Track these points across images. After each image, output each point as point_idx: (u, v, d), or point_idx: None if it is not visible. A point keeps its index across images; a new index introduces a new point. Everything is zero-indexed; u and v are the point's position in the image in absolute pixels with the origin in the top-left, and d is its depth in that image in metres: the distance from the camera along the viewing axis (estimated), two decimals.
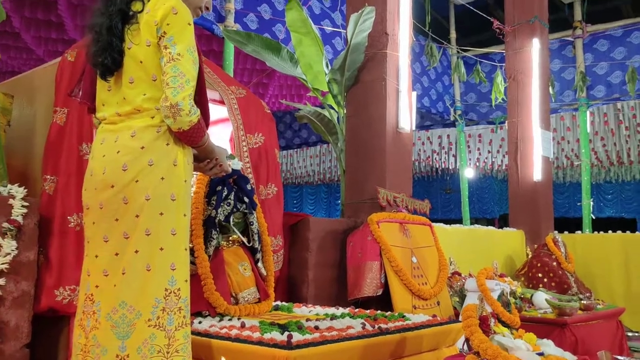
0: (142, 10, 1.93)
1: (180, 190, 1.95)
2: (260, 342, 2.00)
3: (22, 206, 2.47)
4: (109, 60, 1.92)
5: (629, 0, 10.01)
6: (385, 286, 3.50)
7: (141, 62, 1.91)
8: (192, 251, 2.68)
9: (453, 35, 9.65)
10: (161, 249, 1.88)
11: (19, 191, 2.51)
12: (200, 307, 2.59)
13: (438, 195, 14.19)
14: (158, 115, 1.91)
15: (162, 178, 1.90)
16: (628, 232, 5.71)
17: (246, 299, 2.76)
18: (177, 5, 1.90)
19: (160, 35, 1.88)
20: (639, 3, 9.68)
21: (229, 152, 3.02)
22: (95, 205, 1.94)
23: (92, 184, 1.96)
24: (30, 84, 3.18)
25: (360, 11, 4.19)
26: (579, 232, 6.31)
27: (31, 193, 2.59)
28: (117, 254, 1.89)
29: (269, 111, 3.81)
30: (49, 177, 2.65)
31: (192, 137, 1.94)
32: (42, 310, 2.52)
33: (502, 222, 12.83)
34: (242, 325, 2.30)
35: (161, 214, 1.89)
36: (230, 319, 2.50)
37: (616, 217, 12.99)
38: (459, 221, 9.25)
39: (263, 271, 2.97)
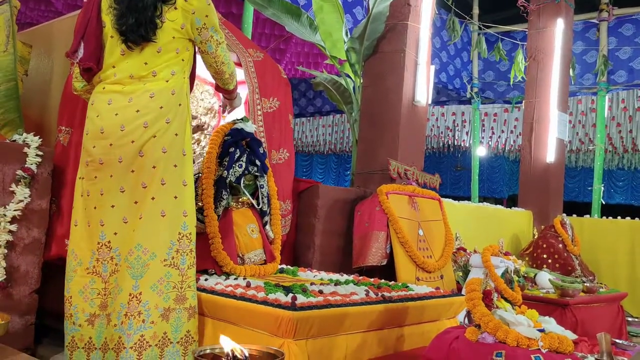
0: None
1: (189, 147, 2.22)
2: (265, 302, 2.03)
3: (37, 155, 2.50)
4: (146, 33, 2.14)
5: None
6: (390, 257, 3.53)
7: (173, 37, 2.19)
8: (201, 210, 2.70)
9: (476, 11, 9.45)
10: (175, 197, 2.12)
11: (33, 140, 2.54)
12: (206, 265, 2.62)
13: (448, 172, 14.13)
14: (172, 79, 2.19)
15: (176, 134, 2.17)
16: (637, 219, 5.68)
17: (252, 260, 2.79)
18: None
19: (202, 26, 2.23)
20: None
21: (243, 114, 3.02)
22: (113, 159, 2.11)
23: (106, 141, 2.13)
24: (49, 35, 3.18)
25: None
26: (588, 216, 6.29)
27: (46, 143, 2.62)
28: (136, 202, 2.10)
29: (285, 76, 3.79)
30: (64, 128, 2.67)
31: (234, 92, 2.64)
32: (52, 258, 2.58)
33: (511, 202, 12.79)
34: (248, 285, 2.34)
35: (175, 166, 2.14)
36: (235, 278, 2.54)
37: (626, 204, 12.90)
38: (468, 199, 9.23)
39: (270, 234, 2.99)
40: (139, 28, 2.13)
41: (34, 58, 3.14)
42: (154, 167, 2.10)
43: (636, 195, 12.92)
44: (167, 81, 2.18)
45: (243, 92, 3.72)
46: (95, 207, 2.13)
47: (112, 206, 2.10)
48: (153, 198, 2.09)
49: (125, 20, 2.14)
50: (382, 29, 4.24)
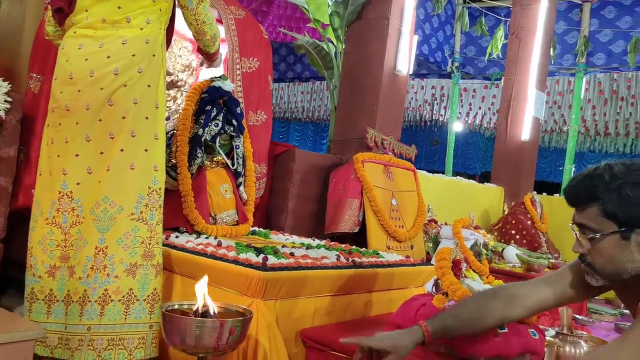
0: None
1: (162, 100, 2.14)
2: (235, 261, 2.02)
3: (5, 101, 2.42)
4: None
5: None
6: (363, 224, 3.54)
7: None
8: (174, 167, 2.66)
9: None
10: (145, 150, 2.05)
11: (2, 85, 2.45)
12: (178, 222, 2.60)
13: (423, 146, 14.20)
14: (147, 28, 2.09)
15: (149, 86, 2.09)
16: None
17: (225, 220, 2.78)
18: None
19: None
20: None
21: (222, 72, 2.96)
22: (80, 106, 2.02)
23: (74, 87, 2.04)
24: None
25: None
26: (558, 195, 6.40)
27: (16, 90, 2.54)
28: (102, 153, 2.02)
29: (266, 37, 3.71)
30: (35, 75, 2.59)
31: (215, 56, 2.55)
32: (18, 208, 2.52)
33: (483, 179, 12.94)
34: (219, 244, 2.32)
35: (147, 118, 2.06)
36: (207, 237, 2.52)
37: None
38: (442, 173, 9.32)
39: (244, 195, 2.97)
40: None
41: (5, 3, 3.02)
42: (123, 117, 2.02)
43: None
44: (141, 29, 2.09)
45: (223, 50, 3.66)
46: (58, 156, 2.04)
47: (76, 155, 2.02)
48: (122, 150, 2.01)
49: None
50: None
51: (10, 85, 2.47)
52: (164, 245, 2.27)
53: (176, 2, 2.25)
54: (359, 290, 2.36)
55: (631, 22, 8.32)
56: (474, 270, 2.53)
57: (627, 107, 10.12)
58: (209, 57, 2.57)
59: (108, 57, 2.03)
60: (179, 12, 2.33)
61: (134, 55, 2.05)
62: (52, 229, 2.03)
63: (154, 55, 2.11)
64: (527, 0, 6.28)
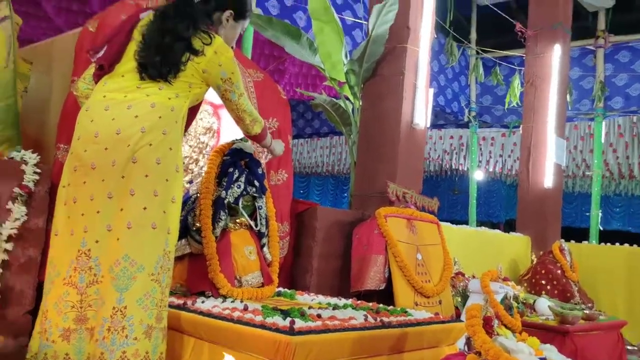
0: (207, 44, 2.24)
1: (181, 164, 2.20)
2: (262, 326, 2.00)
3: (34, 173, 2.48)
4: (167, 73, 2.17)
5: None
6: (388, 281, 3.49)
7: (192, 75, 2.22)
8: (199, 231, 2.68)
9: (473, 35, 9.56)
10: (164, 212, 2.07)
11: (32, 157, 2.51)
12: (203, 287, 2.59)
13: (445, 196, 14.12)
14: (175, 99, 2.18)
15: (171, 149, 2.13)
16: (635, 245, 5.66)
17: (250, 282, 2.76)
18: (232, 54, 2.32)
19: (227, 78, 2.29)
20: None
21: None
22: (107, 163, 2.05)
23: (100, 145, 2.07)
24: (48, 52, 3.18)
25: (383, 2, 4.16)
26: (586, 242, 6.27)
27: (44, 161, 2.60)
28: (122, 210, 2.02)
29: (284, 97, 3.79)
30: (62, 145, 2.65)
31: (261, 139, 2.64)
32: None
33: (508, 227, 12.77)
34: (245, 308, 2.30)
35: (167, 180, 2.09)
36: (232, 301, 2.50)
37: (623, 231, 12.90)
38: (465, 223, 9.21)
39: (268, 256, 2.96)
40: (162, 67, 2.16)
41: (33, 75, 3.13)
42: (146, 175, 2.04)
43: (633, 221, 12.92)
44: (169, 98, 2.17)
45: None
46: (82, 214, 2.04)
47: (98, 212, 2.02)
48: (145, 208, 2.02)
49: (150, 56, 2.17)
50: (382, 52, 4.26)
51: (39, 157, 2.54)
52: (189, 311, 2.26)
53: (219, 93, 2.36)
54: (389, 351, 2.30)
55: None
56: (506, 326, 2.46)
57: None
58: (255, 139, 2.64)
59: (136, 116, 2.08)
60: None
61: (160, 117, 2.11)
62: (68, 290, 1.99)
63: (176, 122, 2.17)
64: (540, 48, 6.35)
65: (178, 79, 2.20)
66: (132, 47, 2.24)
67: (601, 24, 8.54)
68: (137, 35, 2.25)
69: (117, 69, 2.23)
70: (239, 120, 2.48)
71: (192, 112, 2.39)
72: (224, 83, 2.31)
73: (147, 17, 2.30)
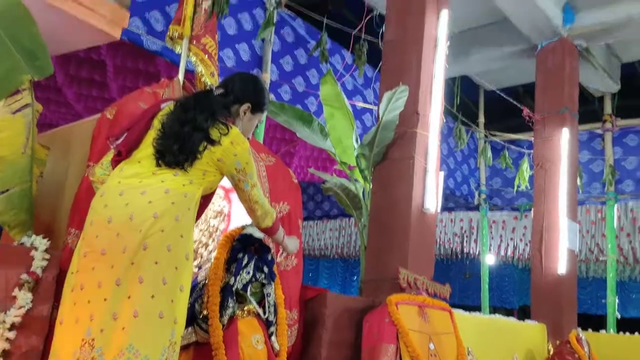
0: (224, 134, 2.28)
1: (191, 252, 2.20)
2: None
3: (43, 259, 2.46)
4: (184, 161, 2.22)
5: None
6: None
7: (207, 163, 2.26)
8: (206, 318, 2.62)
9: (481, 119, 9.73)
10: (172, 301, 2.04)
11: (42, 243, 2.50)
12: None
13: (457, 280, 13.82)
14: (188, 186, 2.21)
15: (182, 236, 2.13)
16: None
17: None
18: (248, 145, 2.36)
19: (241, 169, 2.32)
20: None
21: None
22: (117, 249, 2.03)
23: (111, 231, 2.06)
24: (66, 138, 3.26)
25: (394, 89, 4.26)
26: (603, 330, 6.08)
27: (54, 246, 2.59)
28: (129, 297, 1.98)
29: (296, 181, 3.82)
30: (73, 230, 2.65)
31: (272, 232, 2.63)
32: None
33: (522, 313, 12.44)
34: None
35: (176, 268, 2.08)
36: None
37: None
38: (477, 308, 8.99)
39: (276, 345, 2.87)
40: (179, 155, 2.21)
41: (50, 159, 3.19)
42: (156, 262, 2.03)
43: None
44: (183, 185, 2.20)
45: None
46: (89, 301, 1.99)
47: (105, 299, 1.98)
48: (153, 296, 1.99)
49: (168, 144, 2.22)
50: (392, 137, 4.32)
51: (49, 242, 2.53)
52: None
53: (232, 183, 2.40)
54: None
55: None
56: None
57: None
58: (266, 232, 2.63)
59: (150, 202, 2.09)
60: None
61: (173, 203, 2.13)
62: None
63: (189, 209, 2.19)
64: (548, 132, 6.42)
65: (194, 166, 2.23)
66: (151, 135, 2.30)
67: (607, 107, 8.68)
68: (156, 124, 2.31)
69: (134, 155, 2.28)
70: (251, 212, 2.49)
71: (205, 201, 2.41)
72: (238, 173, 2.34)
73: (167, 107, 2.38)
